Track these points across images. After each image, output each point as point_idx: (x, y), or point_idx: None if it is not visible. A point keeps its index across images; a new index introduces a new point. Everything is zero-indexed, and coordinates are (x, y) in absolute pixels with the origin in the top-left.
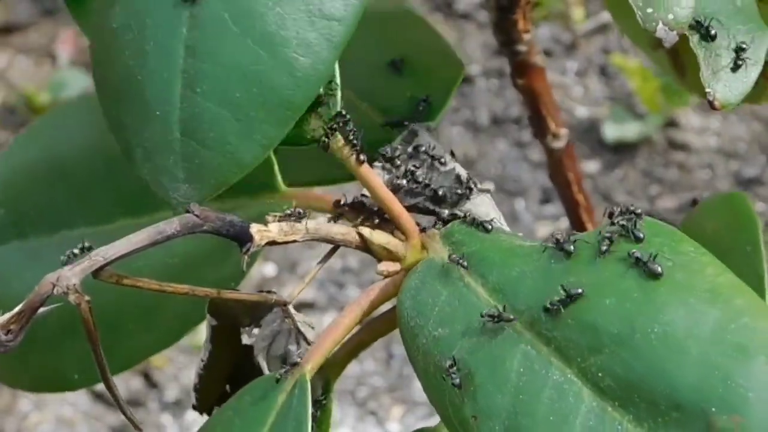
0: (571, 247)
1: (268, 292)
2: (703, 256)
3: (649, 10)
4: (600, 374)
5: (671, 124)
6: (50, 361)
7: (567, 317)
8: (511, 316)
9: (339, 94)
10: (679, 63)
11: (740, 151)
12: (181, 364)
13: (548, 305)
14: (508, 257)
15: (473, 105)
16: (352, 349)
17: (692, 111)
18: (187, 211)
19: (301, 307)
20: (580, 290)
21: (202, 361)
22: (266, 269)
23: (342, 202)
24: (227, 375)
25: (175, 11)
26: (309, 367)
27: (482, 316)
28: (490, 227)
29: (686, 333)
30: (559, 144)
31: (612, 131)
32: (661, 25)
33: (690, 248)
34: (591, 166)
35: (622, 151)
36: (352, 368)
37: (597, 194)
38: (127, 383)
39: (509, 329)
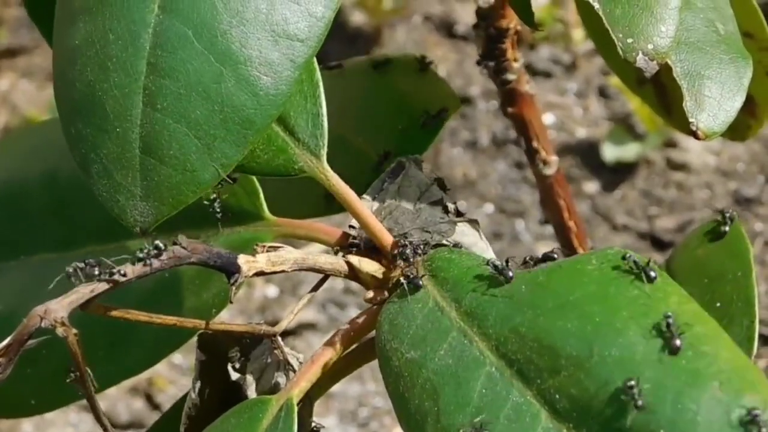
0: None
1: (257, 323)
2: (669, 286)
3: (630, 41)
4: (557, 396)
5: (670, 144)
6: (7, 386)
7: (530, 339)
8: (510, 273)
9: (325, 126)
10: (665, 100)
11: (739, 171)
12: (183, 386)
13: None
14: (482, 283)
15: (473, 126)
16: (335, 373)
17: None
18: (175, 243)
19: (303, 328)
20: (555, 255)
21: (191, 398)
22: (268, 291)
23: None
24: (216, 413)
25: (139, 27)
26: (296, 392)
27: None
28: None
29: (642, 357)
30: (549, 171)
31: (611, 151)
32: (641, 55)
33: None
34: (590, 186)
35: (622, 171)
36: (354, 389)
37: (596, 215)
38: (128, 404)
39: (476, 351)
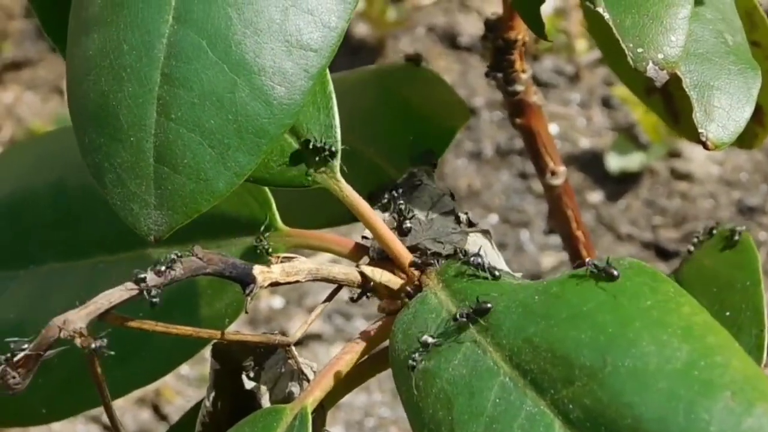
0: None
1: (272, 333)
2: (681, 296)
3: (640, 50)
4: (571, 406)
5: (674, 154)
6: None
7: (543, 349)
8: None
9: (339, 137)
10: (672, 109)
11: (742, 181)
12: (190, 397)
13: (457, 315)
14: (497, 294)
15: (477, 137)
16: (349, 382)
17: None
18: (190, 254)
19: (309, 339)
20: (489, 305)
21: (206, 407)
22: (274, 302)
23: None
24: (230, 422)
25: (153, 38)
26: (310, 401)
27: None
28: (488, 268)
29: (656, 367)
30: (557, 181)
31: (615, 162)
32: (651, 64)
33: (670, 289)
34: (594, 196)
35: (626, 181)
36: (361, 399)
37: (601, 225)
38: (136, 415)
39: (490, 362)
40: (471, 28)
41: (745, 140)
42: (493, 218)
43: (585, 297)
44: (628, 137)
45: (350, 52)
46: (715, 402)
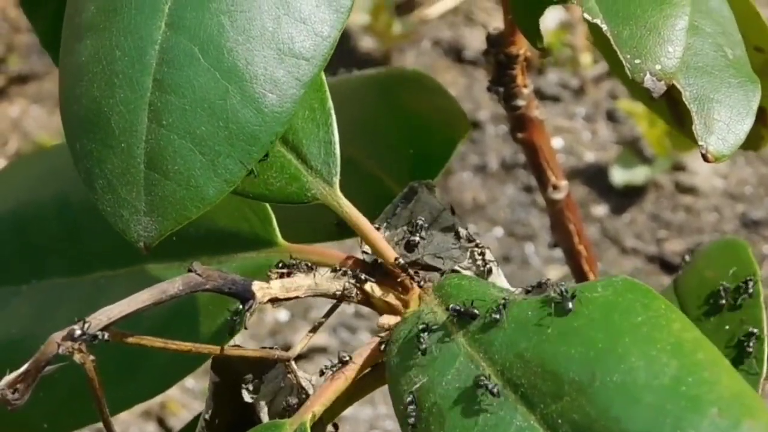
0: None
1: (271, 348)
2: (672, 313)
3: (637, 61)
4: (560, 421)
5: (678, 167)
6: (19, 410)
7: (534, 364)
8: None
9: (338, 153)
10: (677, 112)
11: (747, 194)
12: (195, 410)
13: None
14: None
15: (482, 150)
16: (348, 397)
17: (699, 154)
18: (190, 270)
19: (314, 352)
20: (476, 311)
21: (205, 420)
22: (279, 315)
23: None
24: None
25: (146, 44)
26: (309, 416)
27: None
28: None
29: (644, 383)
30: (559, 195)
31: (620, 175)
32: (648, 75)
33: (661, 305)
34: (599, 210)
35: (630, 194)
36: (366, 412)
37: (605, 238)
38: (141, 428)
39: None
40: (476, 42)
41: (750, 143)
42: (498, 231)
43: (577, 313)
44: (633, 151)
45: (355, 65)
46: (702, 418)
